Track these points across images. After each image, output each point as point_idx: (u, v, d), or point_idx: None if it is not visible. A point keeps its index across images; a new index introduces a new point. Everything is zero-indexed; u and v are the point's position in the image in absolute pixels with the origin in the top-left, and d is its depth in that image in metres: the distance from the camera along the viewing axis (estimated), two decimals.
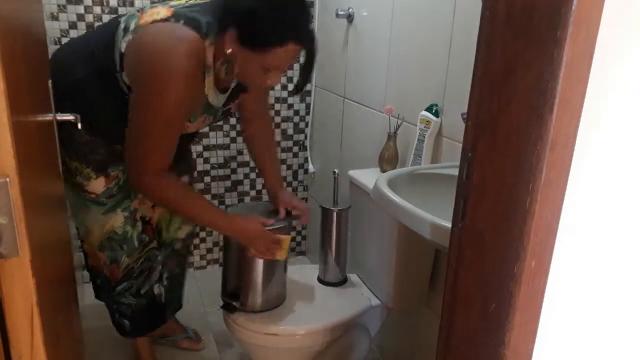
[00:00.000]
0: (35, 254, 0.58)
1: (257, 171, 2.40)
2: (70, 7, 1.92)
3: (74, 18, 1.93)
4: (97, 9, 1.95)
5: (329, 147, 2.23)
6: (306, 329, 1.41)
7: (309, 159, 2.41)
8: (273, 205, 1.50)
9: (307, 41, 1.17)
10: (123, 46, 1.19)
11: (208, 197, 2.31)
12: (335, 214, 1.55)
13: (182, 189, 1.35)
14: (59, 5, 1.90)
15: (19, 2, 0.71)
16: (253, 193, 2.43)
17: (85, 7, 1.94)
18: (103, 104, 1.28)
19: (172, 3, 1.23)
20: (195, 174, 2.29)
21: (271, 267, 1.43)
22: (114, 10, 1.97)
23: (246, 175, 2.39)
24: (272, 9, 1.11)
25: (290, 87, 2.32)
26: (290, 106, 2.35)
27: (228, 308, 1.44)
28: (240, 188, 2.39)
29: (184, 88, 1.16)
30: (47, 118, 0.88)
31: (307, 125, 2.39)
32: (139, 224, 1.47)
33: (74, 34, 1.94)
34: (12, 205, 0.54)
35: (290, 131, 2.39)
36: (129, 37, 1.18)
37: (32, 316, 0.59)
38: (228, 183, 2.37)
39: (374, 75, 1.76)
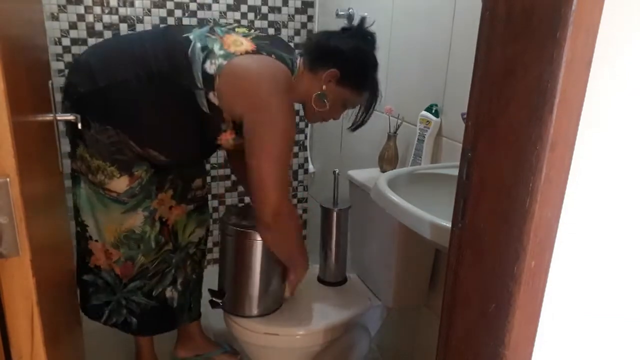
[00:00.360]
0: (35, 254, 0.58)
1: None
2: (70, 7, 1.92)
3: (74, 18, 1.93)
4: (97, 9, 1.95)
5: (329, 147, 2.23)
6: (306, 329, 1.41)
7: (309, 159, 2.41)
8: None
9: (376, 89, 1.40)
10: (211, 68, 1.26)
11: (208, 196, 2.31)
12: (335, 214, 1.55)
13: (298, 217, 1.44)
14: (59, 6, 1.90)
15: (19, 2, 0.71)
16: None
17: (86, 8, 1.93)
18: (150, 110, 1.31)
19: (240, 31, 1.35)
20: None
21: (268, 274, 1.43)
22: (114, 11, 1.97)
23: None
24: (370, 58, 1.37)
25: None
26: None
27: (212, 304, 1.48)
28: (240, 188, 2.39)
29: (292, 114, 1.29)
30: (47, 118, 0.88)
31: (307, 125, 2.39)
32: (158, 224, 1.47)
33: (74, 34, 1.94)
34: (12, 205, 0.54)
35: None
36: (220, 61, 1.25)
37: (32, 316, 0.59)
38: (228, 183, 2.37)
39: None
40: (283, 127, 1.25)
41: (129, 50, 1.33)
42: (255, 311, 1.44)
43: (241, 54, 1.27)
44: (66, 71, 1.95)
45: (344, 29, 1.41)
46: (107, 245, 1.45)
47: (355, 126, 1.47)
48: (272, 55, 1.29)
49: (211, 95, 1.28)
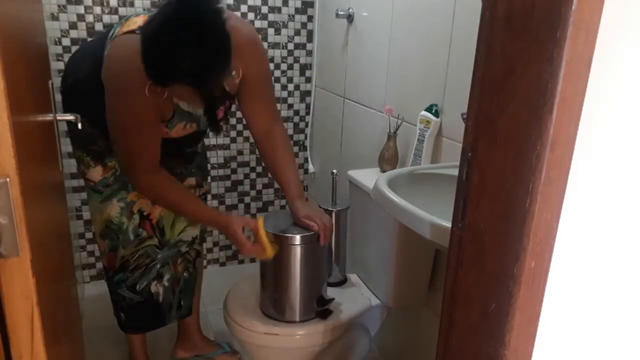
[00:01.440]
0: (35, 254, 0.58)
1: (256, 172, 2.40)
2: (70, 7, 1.92)
3: (74, 18, 1.93)
4: (97, 9, 1.95)
5: (329, 147, 2.23)
6: (306, 329, 1.41)
7: (309, 159, 2.41)
8: (295, 219, 1.43)
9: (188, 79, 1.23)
10: (105, 53, 1.28)
11: (208, 196, 2.31)
12: (334, 215, 1.55)
13: (168, 186, 1.38)
14: (59, 6, 1.90)
15: (19, 2, 0.71)
16: (253, 193, 2.43)
17: (86, 8, 1.94)
18: (100, 102, 1.31)
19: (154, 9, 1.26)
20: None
21: (308, 279, 1.41)
22: (114, 11, 1.97)
23: (246, 175, 2.39)
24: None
25: (290, 87, 2.32)
26: (290, 106, 2.35)
27: (324, 314, 1.44)
28: (240, 188, 2.39)
29: (140, 98, 1.21)
30: (47, 118, 0.88)
31: (307, 125, 2.39)
32: (136, 217, 1.48)
33: (74, 34, 1.94)
34: (12, 205, 0.54)
35: (290, 131, 2.39)
36: (108, 46, 1.27)
37: (32, 316, 0.59)
38: (228, 183, 2.37)
39: (374, 75, 1.76)
40: (127, 104, 1.25)
41: (90, 47, 1.40)
42: (297, 316, 1.43)
43: (118, 36, 1.26)
44: None
45: None
46: (96, 236, 1.52)
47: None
48: None
49: None
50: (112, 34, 1.30)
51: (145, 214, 1.49)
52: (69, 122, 1.29)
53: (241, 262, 2.51)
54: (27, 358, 0.60)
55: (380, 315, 1.61)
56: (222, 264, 2.48)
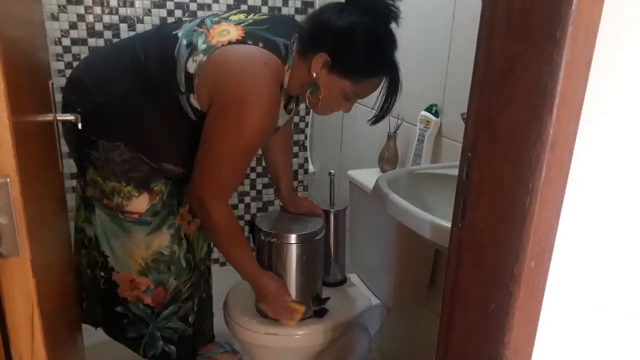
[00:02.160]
0: (35, 254, 0.58)
1: (256, 172, 2.40)
2: (70, 8, 1.92)
3: (74, 18, 1.93)
4: (98, 9, 1.95)
5: (329, 147, 2.23)
6: (306, 329, 1.41)
7: (309, 159, 2.41)
8: (292, 209, 1.47)
9: (395, 74, 1.15)
10: (192, 66, 1.11)
11: None
12: (332, 215, 1.54)
13: (234, 221, 1.25)
14: (59, 6, 1.90)
15: (19, 2, 0.71)
16: (253, 193, 2.43)
17: (86, 8, 1.93)
18: (154, 122, 1.20)
19: (235, 19, 1.17)
20: None
21: (305, 277, 1.41)
22: (114, 11, 1.97)
23: (246, 175, 2.39)
24: (370, 40, 1.10)
25: None
26: None
27: (320, 313, 1.43)
28: (240, 188, 2.39)
29: (269, 117, 1.12)
30: (47, 118, 0.88)
31: (307, 125, 2.39)
32: (184, 242, 1.36)
33: (74, 34, 1.94)
34: (12, 205, 0.54)
35: None
36: (200, 57, 1.10)
37: (32, 316, 0.59)
38: None
39: None
40: (247, 130, 1.10)
41: (122, 59, 1.21)
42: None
43: (223, 45, 1.10)
44: (66, 71, 1.96)
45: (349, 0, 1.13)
46: (133, 274, 1.31)
47: (375, 120, 1.23)
48: (260, 44, 1.10)
49: (192, 99, 1.15)
50: (191, 43, 1.12)
51: (187, 236, 1.39)
52: (95, 150, 1.19)
53: None
54: (27, 358, 0.61)
55: (380, 315, 1.61)
56: (222, 264, 2.48)
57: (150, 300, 1.35)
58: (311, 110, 2.32)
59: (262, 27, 1.14)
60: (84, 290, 1.41)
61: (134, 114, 1.20)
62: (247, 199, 2.42)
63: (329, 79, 1.13)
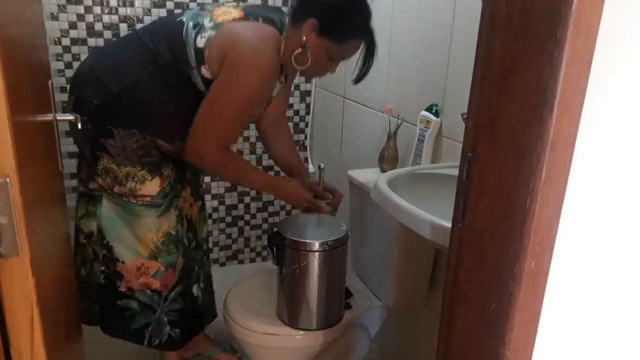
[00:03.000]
0: (35, 254, 0.58)
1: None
2: (70, 7, 1.92)
3: (74, 18, 1.93)
4: (97, 9, 1.95)
5: (329, 147, 2.23)
6: (305, 331, 1.41)
7: (309, 159, 2.41)
8: (315, 191, 1.52)
9: (371, 38, 1.33)
10: (201, 42, 1.26)
11: (208, 196, 2.31)
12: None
13: (239, 158, 1.49)
14: (59, 5, 1.90)
15: (19, 2, 0.71)
16: (253, 193, 2.43)
17: (85, 7, 1.93)
18: (169, 104, 1.32)
19: (231, 3, 1.35)
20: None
21: (326, 286, 1.39)
22: (114, 10, 1.97)
23: None
24: (353, 5, 1.29)
25: (297, 94, 2.32)
26: (290, 106, 2.35)
27: (348, 305, 1.49)
28: (240, 188, 2.39)
29: (269, 78, 1.29)
30: (47, 118, 0.88)
31: (307, 125, 2.39)
32: (185, 222, 1.46)
33: (73, 34, 1.94)
34: (12, 205, 0.54)
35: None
36: (209, 33, 1.26)
37: (32, 316, 0.59)
38: (228, 183, 2.37)
39: (374, 75, 1.76)
40: (251, 89, 1.26)
41: (131, 50, 1.32)
42: (314, 324, 1.40)
43: (228, 22, 1.27)
44: (66, 71, 1.95)
45: None
46: (142, 259, 1.39)
47: (357, 79, 1.41)
48: (260, 19, 1.29)
49: (203, 70, 1.28)
50: (197, 24, 1.28)
51: (188, 218, 1.49)
52: (112, 139, 1.28)
53: (241, 262, 2.51)
54: (27, 358, 0.60)
55: (380, 315, 1.61)
56: (222, 264, 2.48)
57: (158, 285, 1.42)
58: (311, 111, 2.33)
59: (257, 7, 1.37)
60: (80, 290, 1.43)
61: (150, 99, 1.31)
62: (247, 199, 2.42)
63: (317, 41, 1.30)
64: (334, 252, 1.34)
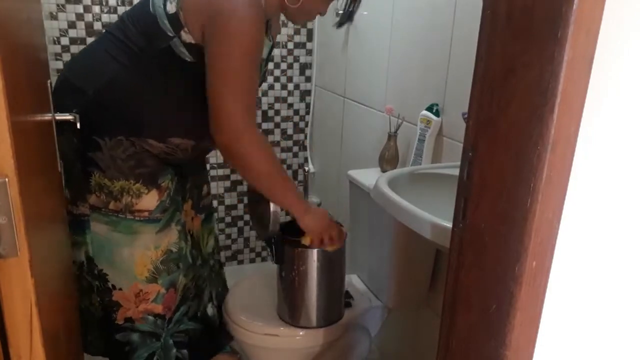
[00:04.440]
0: (34, 255, 0.58)
1: None
2: (69, 7, 1.92)
3: (73, 17, 1.93)
4: (96, 9, 1.95)
5: (329, 147, 2.23)
6: (306, 329, 1.41)
7: (309, 159, 2.41)
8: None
9: None
10: (172, 6, 1.13)
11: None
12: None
13: (273, 151, 1.25)
14: (58, 5, 1.90)
15: (18, 2, 0.71)
16: None
17: (85, 7, 1.93)
18: (152, 94, 1.19)
19: None
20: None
21: (325, 284, 1.39)
22: (113, 10, 1.96)
23: None
24: None
25: (290, 86, 2.32)
26: (290, 106, 2.35)
27: (348, 304, 1.49)
28: (240, 188, 2.39)
29: (260, 26, 1.13)
30: (46, 118, 0.87)
31: (307, 125, 2.39)
32: (189, 238, 1.37)
33: (73, 33, 1.94)
34: (11, 205, 0.54)
35: (290, 131, 2.38)
36: None
37: (31, 316, 0.59)
38: (228, 183, 2.37)
39: (374, 75, 1.76)
40: (247, 37, 1.11)
41: (101, 48, 1.22)
42: (314, 322, 1.40)
43: None
44: None
45: None
46: (139, 284, 1.27)
47: (341, 22, 1.34)
48: None
49: (184, 35, 1.14)
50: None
51: (191, 233, 1.39)
52: (99, 151, 1.18)
53: (241, 262, 2.51)
54: (26, 358, 0.60)
55: (381, 315, 1.61)
56: (222, 265, 2.48)
57: (160, 309, 1.31)
58: (311, 111, 2.33)
59: None
60: (85, 323, 1.35)
61: (131, 94, 1.19)
62: (246, 200, 2.42)
63: None
64: (334, 252, 1.35)
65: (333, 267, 1.38)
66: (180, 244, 1.32)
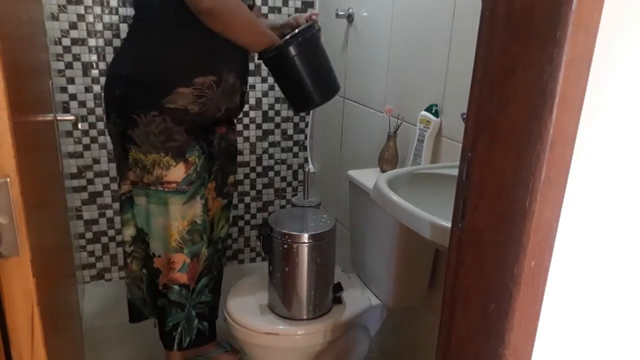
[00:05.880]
0: (35, 254, 0.58)
1: (256, 172, 2.39)
2: (70, 8, 1.92)
3: (74, 18, 1.93)
4: (98, 9, 1.95)
5: (329, 147, 2.23)
6: (306, 329, 1.41)
7: (309, 159, 2.41)
8: (288, 26, 1.45)
9: None
10: None
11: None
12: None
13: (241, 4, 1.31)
14: (59, 6, 1.90)
15: (19, 2, 0.71)
16: (253, 193, 2.43)
17: (86, 8, 1.94)
18: (173, 42, 1.31)
19: None
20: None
21: (315, 276, 1.43)
22: (114, 11, 1.97)
23: (246, 175, 2.39)
24: None
25: None
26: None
27: (339, 300, 1.50)
28: (240, 188, 2.39)
29: None
30: (48, 118, 0.88)
31: (307, 125, 2.39)
32: (207, 213, 1.48)
33: (74, 34, 1.94)
34: (12, 205, 0.54)
35: (290, 131, 2.39)
36: None
37: (32, 316, 0.59)
38: None
39: (374, 75, 1.76)
40: None
41: (127, 35, 1.41)
42: (304, 314, 1.44)
43: None
44: (66, 71, 1.96)
45: None
46: (169, 253, 1.42)
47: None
48: None
49: None
50: None
51: (208, 210, 1.50)
52: (136, 128, 1.31)
53: (241, 262, 2.52)
54: (27, 358, 0.60)
55: (380, 315, 1.61)
56: (225, 253, 2.48)
57: (186, 278, 1.44)
58: (311, 111, 2.33)
59: None
60: (145, 291, 1.52)
61: (150, 58, 1.32)
62: (247, 199, 2.42)
63: None
64: (321, 242, 1.40)
65: (320, 259, 1.41)
66: (203, 217, 1.43)
